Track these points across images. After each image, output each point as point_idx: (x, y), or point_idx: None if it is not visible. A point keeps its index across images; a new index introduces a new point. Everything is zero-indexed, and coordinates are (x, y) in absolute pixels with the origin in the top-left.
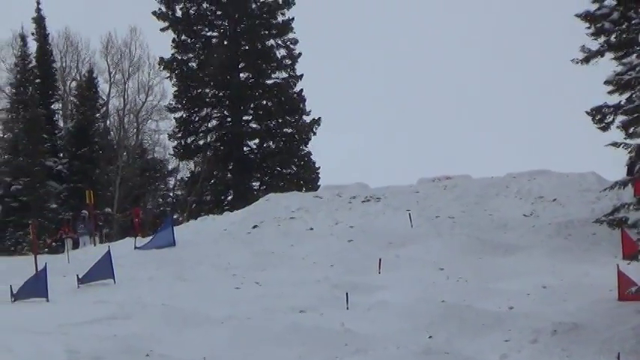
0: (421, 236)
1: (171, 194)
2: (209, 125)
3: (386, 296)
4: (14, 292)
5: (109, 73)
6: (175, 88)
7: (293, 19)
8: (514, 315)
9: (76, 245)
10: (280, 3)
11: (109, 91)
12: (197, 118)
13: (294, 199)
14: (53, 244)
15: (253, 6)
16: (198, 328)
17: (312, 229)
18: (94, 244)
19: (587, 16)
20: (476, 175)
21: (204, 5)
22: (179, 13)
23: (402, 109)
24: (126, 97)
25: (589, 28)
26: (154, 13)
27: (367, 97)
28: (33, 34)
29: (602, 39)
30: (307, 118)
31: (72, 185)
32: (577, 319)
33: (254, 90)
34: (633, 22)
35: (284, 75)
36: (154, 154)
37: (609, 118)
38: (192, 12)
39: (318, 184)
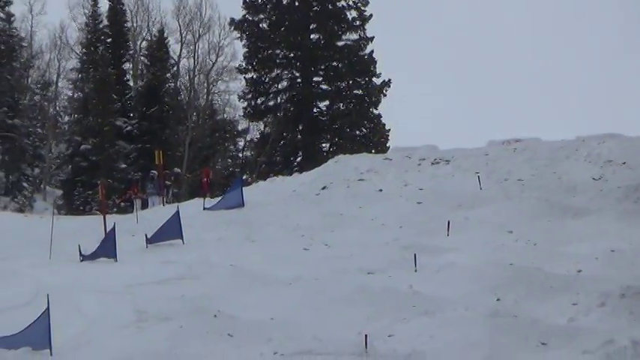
0: (490, 199)
1: (240, 155)
2: (279, 86)
3: (454, 258)
4: (82, 252)
5: (180, 34)
6: (246, 49)
7: None
8: (582, 278)
9: (144, 205)
10: None
11: (180, 51)
12: (267, 79)
13: (364, 160)
14: (122, 204)
15: None
16: (266, 289)
17: (381, 190)
18: (163, 204)
19: None
20: (545, 138)
21: None
22: None
23: (473, 72)
24: (196, 57)
25: None
26: None
27: (438, 60)
28: None
29: None
30: (377, 81)
31: (141, 145)
32: None
33: (324, 51)
34: None
35: (355, 36)
36: (223, 115)
37: None
38: None
39: (388, 145)
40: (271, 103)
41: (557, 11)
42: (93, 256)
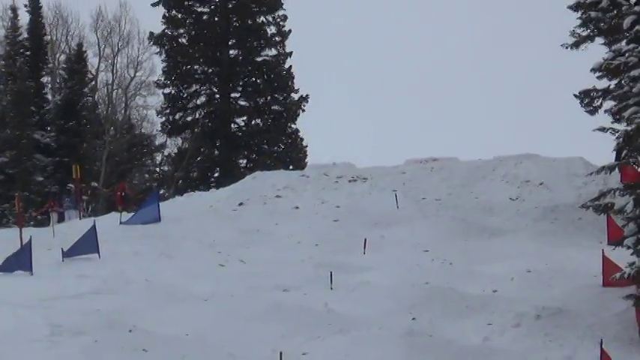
0: (407, 217)
1: (157, 170)
2: (197, 102)
3: (370, 277)
4: None
5: (99, 47)
6: (164, 64)
7: None
8: (498, 298)
9: (61, 219)
10: None
11: (98, 65)
12: (186, 95)
13: (281, 177)
14: (39, 217)
15: None
16: (181, 305)
17: (297, 207)
18: (80, 218)
19: (577, 6)
20: (463, 158)
21: None
22: None
23: (391, 90)
24: (115, 71)
25: (579, 18)
26: None
27: (356, 76)
28: (25, 6)
29: (592, 27)
30: (295, 96)
31: (58, 159)
32: (561, 304)
33: (243, 67)
34: (623, 8)
35: (273, 52)
36: (141, 130)
37: (597, 102)
38: None
39: (305, 162)
40: (189, 118)
41: (476, 31)
42: (7, 269)
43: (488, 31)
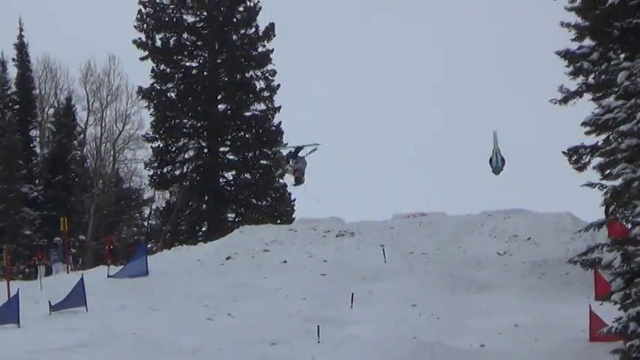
0: (394, 272)
1: (145, 223)
2: (186, 156)
3: (357, 331)
4: None
5: (88, 101)
6: (153, 118)
7: (272, 50)
8: (485, 353)
9: (49, 272)
10: (260, 35)
11: (87, 119)
12: (174, 149)
13: (269, 231)
14: (26, 270)
15: (234, 37)
16: (168, 358)
17: (285, 261)
18: (67, 272)
19: (566, 55)
20: (451, 213)
21: (185, 35)
22: (159, 43)
23: (379, 144)
24: (103, 125)
25: (568, 67)
26: (134, 41)
27: (345, 131)
28: (14, 59)
29: (581, 79)
30: (284, 152)
31: (46, 212)
32: (548, 359)
33: (232, 121)
34: (612, 62)
35: (262, 107)
36: (129, 183)
37: (585, 159)
38: (173, 42)
39: (293, 217)
40: (177, 172)
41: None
42: None
43: (475, 83)
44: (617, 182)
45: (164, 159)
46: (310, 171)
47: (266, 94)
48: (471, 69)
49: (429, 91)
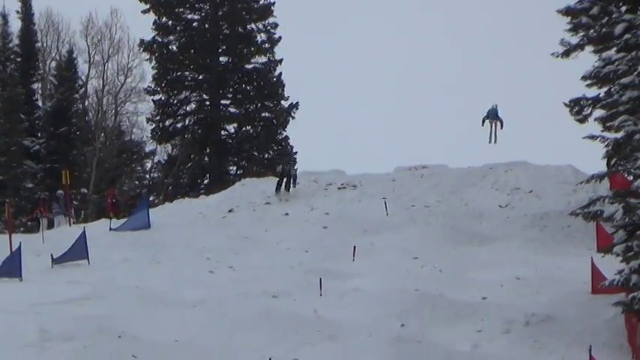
0: (396, 224)
1: (147, 176)
2: (187, 109)
3: (359, 283)
4: None
5: (89, 54)
6: (155, 71)
7: (274, 2)
8: (487, 305)
9: (51, 225)
10: None
11: (89, 72)
12: (176, 101)
13: (270, 184)
14: (29, 223)
15: None
16: (171, 311)
17: (287, 214)
18: (69, 225)
19: (567, 12)
20: (453, 165)
21: None
22: None
23: (382, 96)
24: (105, 78)
25: (569, 23)
26: None
27: (347, 83)
28: (17, 12)
29: (582, 33)
30: (285, 103)
31: (48, 165)
32: (550, 311)
33: (233, 74)
34: (613, 16)
35: (264, 59)
36: (131, 136)
37: (587, 111)
38: None
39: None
40: (179, 125)
41: (466, 38)
42: None
43: (478, 39)
44: (619, 134)
45: (166, 112)
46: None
47: (267, 46)
48: (475, 23)
49: (433, 44)
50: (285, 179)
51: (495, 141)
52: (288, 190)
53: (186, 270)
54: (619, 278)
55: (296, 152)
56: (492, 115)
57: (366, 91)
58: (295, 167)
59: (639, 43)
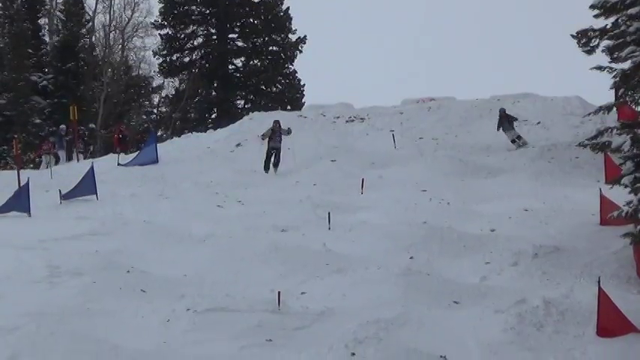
0: (404, 157)
1: (155, 111)
2: (195, 43)
3: (368, 217)
4: None
5: None
6: (161, 5)
7: None
8: (495, 237)
9: (57, 161)
10: None
11: (95, 7)
12: (183, 36)
13: (278, 117)
14: (37, 159)
15: None
16: (179, 246)
17: (295, 147)
18: (77, 160)
19: None
20: (460, 97)
21: None
22: None
23: (388, 30)
24: (112, 13)
25: None
26: None
27: (354, 17)
28: None
29: None
30: (293, 37)
31: (56, 101)
32: (558, 243)
33: (240, 8)
34: None
35: None
36: (139, 71)
37: (594, 42)
38: None
39: (303, 102)
40: (186, 59)
41: None
42: (6, 210)
43: None
44: (627, 65)
45: (173, 46)
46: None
47: None
48: None
49: None
50: (273, 152)
51: (519, 139)
52: (275, 166)
53: (194, 205)
54: (628, 209)
55: (304, 85)
56: (504, 121)
57: (373, 24)
58: (285, 131)
59: None
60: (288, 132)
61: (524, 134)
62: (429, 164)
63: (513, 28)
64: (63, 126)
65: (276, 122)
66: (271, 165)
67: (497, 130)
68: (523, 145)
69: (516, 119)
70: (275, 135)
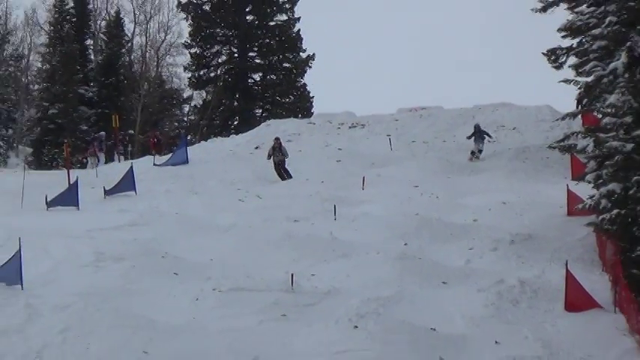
0: (399, 158)
1: (185, 119)
2: (219, 60)
3: (368, 209)
4: (50, 201)
5: (134, 14)
6: (191, 28)
7: None
8: (477, 226)
9: (98, 162)
10: None
11: (134, 29)
12: (209, 54)
13: (291, 124)
14: (84, 160)
15: None
16: (207, 234)
17: (305, 150)
18: (119, 161)
19: None
20: (447, 106)
21: None
22: None
23: (386, 46)
24: (148, 35)
25: None
26: None
27: (355, 35)
28: None
29: None
30: (303, 55)
31: (100, 110)
32: (531, 231)
33: (258, 30)
34: None
35: (284, 17)
36: (171, 85)
37: (562, 59)
38: None
39: (312, 111)
40: (212, 74)
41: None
42: (58, 203)
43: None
44: (590, 79)
45: (200, 63)
46: (327, 72)
47: (287, 6)
48: None
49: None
50: (279, 165)
51: (478, 153)
52: (286, 177)
53: (219, 199)
54: (591, 202)
55: (313, 97)
56: (477, 134)
57: (372, 42)
58: (285, 151)
59: (606, 0)
60: (286, 155)
61: (501, 138)
62: (421, 164)
63: (493, 46)
64: (103, 133)
65: (277, 139)
66: (284, 176)
67: (468, 138)
68: (476, 159)
69: (490, 136)
70: (276, 151)
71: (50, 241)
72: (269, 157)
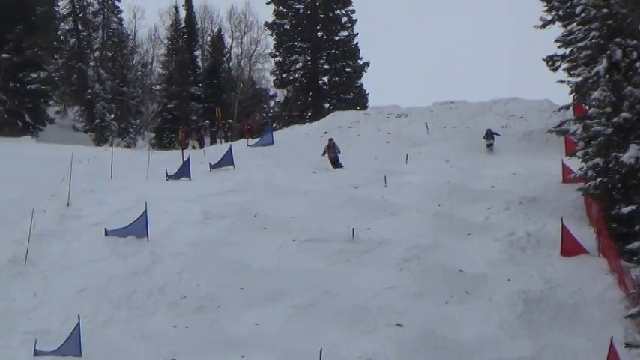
0: (434, 140)
1: (271, 111)
2: (297, 66)
3: (411, 179)
4: (168, 174)
5: (231, 31)
6: (275, 42)
7: None
8: (494, 192)
9: (202, 145)
10: None
11: (231, 43)
12: (289, 62)
13: (351, 115)
14: (187, 143)
15: None
16: (288, 198)
17: (362, 134)
18: (220, 143)
19: None
20: (470, 100)
21: None
22: None
23: (423, 51)
24: (242, 47)
25: (545, 5)
26: None
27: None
28: (183, 5)
29: (553, 12)
30: (360, 62)
31: (206, 105)
32: (535, 195)
33: (326, 43)
34: (574, 0)
35: (346, 33)
36: (260, 85)
37: (558, 64)
38: None
39: (367, 105)
40: (291, 77)
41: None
42: (176, 176)
43: (487, 14)
44: (579, 79)
45: (282, 68)
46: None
47: (348, 25)
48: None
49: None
50: (335, 160)
51: (490, 146)
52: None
53: (297, 172)
54: (580, 173)
55: (368, 93)
56: (489, 135)
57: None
58: (338, 149)
59: (590, 19)
60: (339, 152)
61: (512, 124)
62: (451, 145)
63: (506, 55)
64: (207, 122)
65: (331, 140)
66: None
67: (483, 139)
68: (490, 151)
69: (499, 135)
70: (330, 149)
71: (169, 204)
72: (324, 153)
